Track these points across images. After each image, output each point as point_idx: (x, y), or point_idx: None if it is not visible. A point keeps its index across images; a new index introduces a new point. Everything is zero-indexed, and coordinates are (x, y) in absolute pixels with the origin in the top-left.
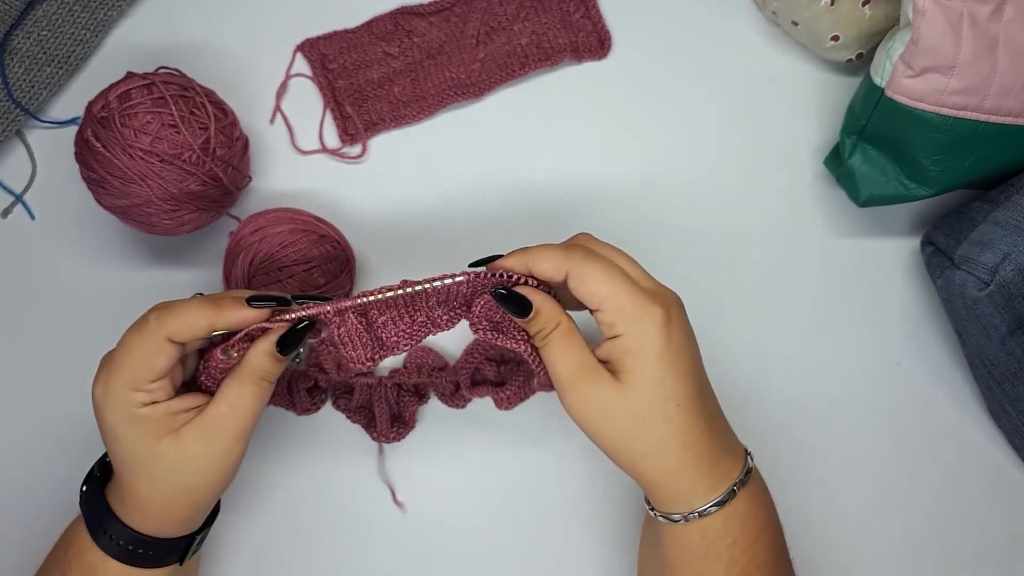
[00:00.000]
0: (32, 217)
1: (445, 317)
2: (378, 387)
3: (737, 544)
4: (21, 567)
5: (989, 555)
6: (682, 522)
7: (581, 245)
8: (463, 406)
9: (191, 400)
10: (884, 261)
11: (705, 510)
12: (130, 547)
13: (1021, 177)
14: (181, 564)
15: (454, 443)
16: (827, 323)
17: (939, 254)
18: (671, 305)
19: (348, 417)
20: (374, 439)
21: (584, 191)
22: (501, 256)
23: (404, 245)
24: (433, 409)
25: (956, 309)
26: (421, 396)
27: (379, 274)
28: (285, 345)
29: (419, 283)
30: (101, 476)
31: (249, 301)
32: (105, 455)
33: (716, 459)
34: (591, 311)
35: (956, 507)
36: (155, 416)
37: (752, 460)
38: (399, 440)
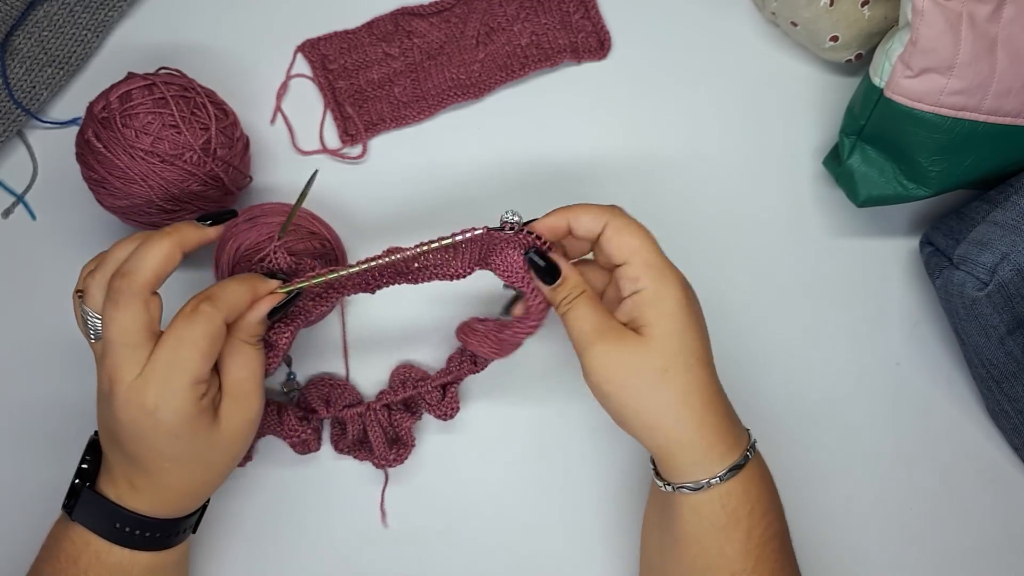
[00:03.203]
0: (33, 217)
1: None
2: (368, 412)
3: (755, 511)
4: (21, 566)
5: (988, 554)
6: (703, 489)
7: (618, 207)
8: (452, 415)
9: (214, 379)
10: (883, 261)
11: (726, 474)
12: (158, 534)
13: (1020, 177)
14: (195, 532)
15: (448, 456)
16: (826, 323)
17: (938, 254)
18: (686, 281)
19: (353, 455)
20: (378, 467)
21: (584, 191)
22: (536, 219)
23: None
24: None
25: (955, 309)
26: (413, 412)
27: None
28: (275, 313)
29: (435, 240)
30: (83, 480)
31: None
32: (84, 461)
33: (731, 423)
34: (616, 266)
35: (955, 506)
36: (207, 405)
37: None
38: (401, 462)
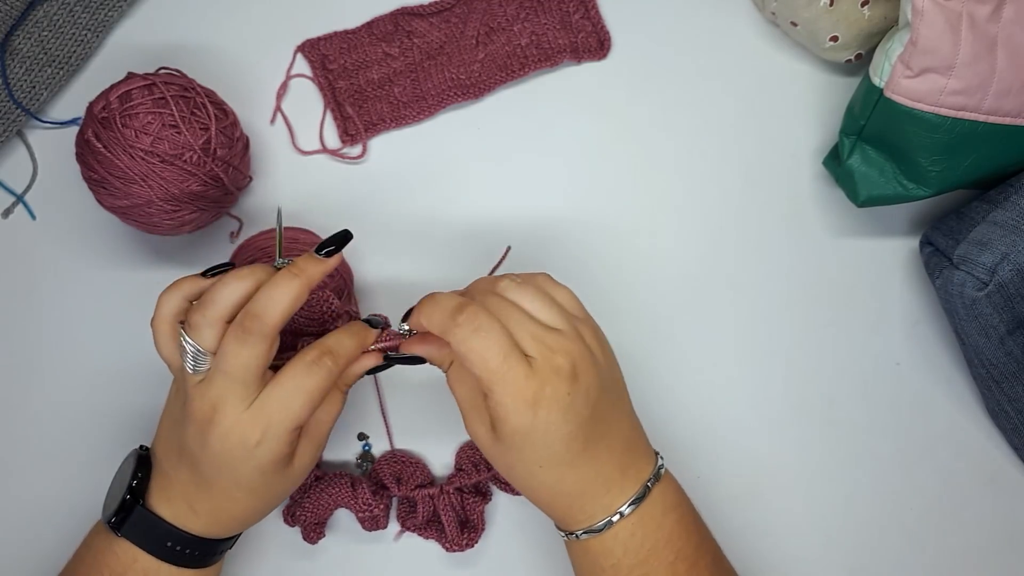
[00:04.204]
0: (33, 217)
1: None
2: (440, 496)
3: (620, 565)
4: (24, 567)
5: (988, 554)
6: (564, 538)
7: (466, 317)
8: None
9: None
10: (883, 261)
11: (580, 535)
12: (207, 553)
13: (1020, 177)
14: (231, 548)
15: None
16: (826, 323)
17: (938, 254)
18: (547, 383)
19: (419, 534)
20: (448, 550)
21: (583, 191)
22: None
23: (404, 245)
24: None
25: (955, 309)
26: (484, 495)
27: (379, 274)
28: (376, 370)
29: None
30: (135, 496)
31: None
32: (135, 478)
33: (594, 497)
34: None
35: (955, 506)
36: (295, 447)
37: (653, 482)
38: (472, 546)
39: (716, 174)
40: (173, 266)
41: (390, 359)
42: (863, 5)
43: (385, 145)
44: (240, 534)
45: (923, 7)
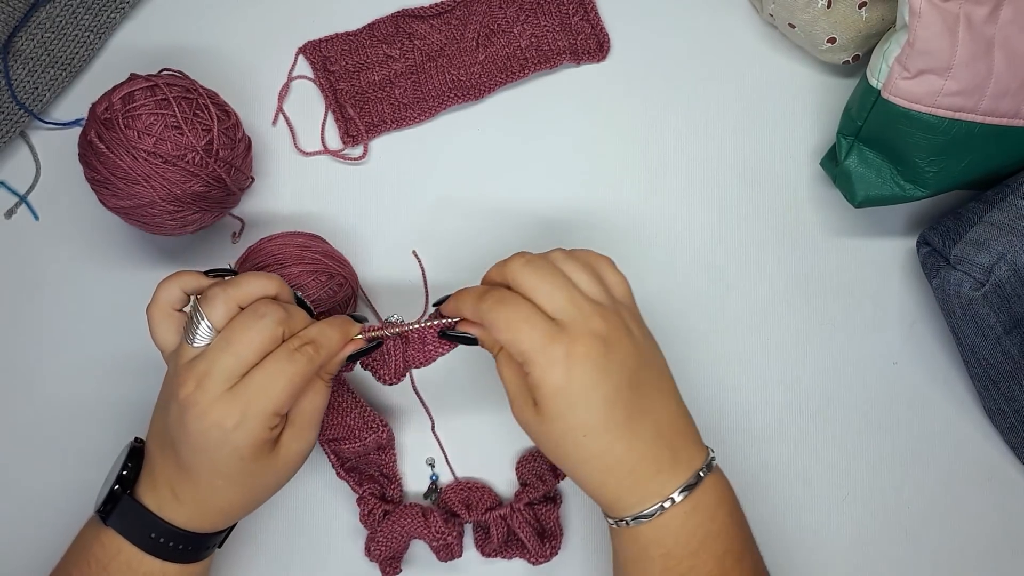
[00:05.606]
0: (36, 218)
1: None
2: (512, 515)
3: (671, 555)
4: (20, 566)
5: (985, 553)
6: (614, 525)
7: (497, 290)
8: None
9: None
10: (880, 261)
11: (630, 521)
12: (189, 548)
13: (1016, 178)
14: (220, 547)
15: None
16: (823, 323)
17: (935, 254)
18: (579, 340)
19: (502, 557)
20: (535, 564)
21: (583, 192)
22: (448, 296)
23: (405, 246)
24: None
25: (952, 309)
26: (555, 501)
27: (381, 275)
28: (355, 358)
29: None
30: (123, 486)
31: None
32: (125, 467)
33: (645, 477)
34: None
35: (952, 505)
36: (275, 435)
37: (706, 472)
38: (556, 553)
39: (714, 175)
40: (176, 266)
41: (448, 336)
42: (860, 7)
43: (386, 146)
44: (229, 532)
45: (920, 9)
